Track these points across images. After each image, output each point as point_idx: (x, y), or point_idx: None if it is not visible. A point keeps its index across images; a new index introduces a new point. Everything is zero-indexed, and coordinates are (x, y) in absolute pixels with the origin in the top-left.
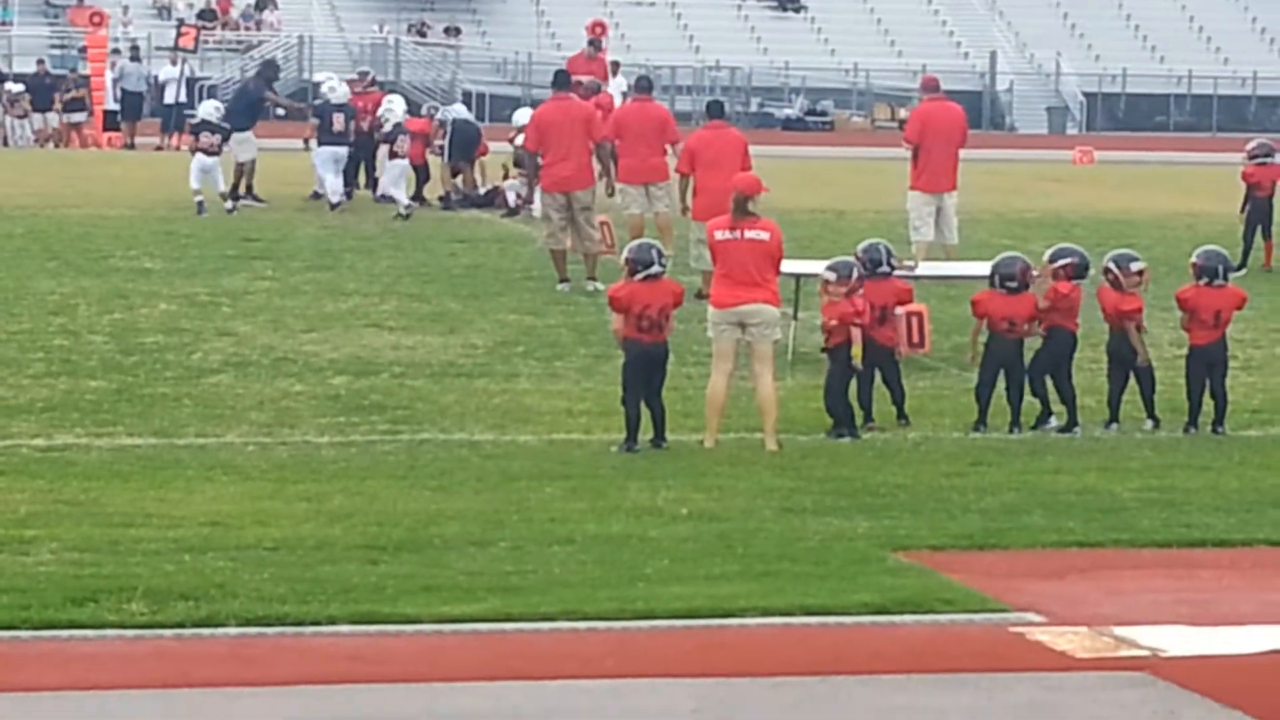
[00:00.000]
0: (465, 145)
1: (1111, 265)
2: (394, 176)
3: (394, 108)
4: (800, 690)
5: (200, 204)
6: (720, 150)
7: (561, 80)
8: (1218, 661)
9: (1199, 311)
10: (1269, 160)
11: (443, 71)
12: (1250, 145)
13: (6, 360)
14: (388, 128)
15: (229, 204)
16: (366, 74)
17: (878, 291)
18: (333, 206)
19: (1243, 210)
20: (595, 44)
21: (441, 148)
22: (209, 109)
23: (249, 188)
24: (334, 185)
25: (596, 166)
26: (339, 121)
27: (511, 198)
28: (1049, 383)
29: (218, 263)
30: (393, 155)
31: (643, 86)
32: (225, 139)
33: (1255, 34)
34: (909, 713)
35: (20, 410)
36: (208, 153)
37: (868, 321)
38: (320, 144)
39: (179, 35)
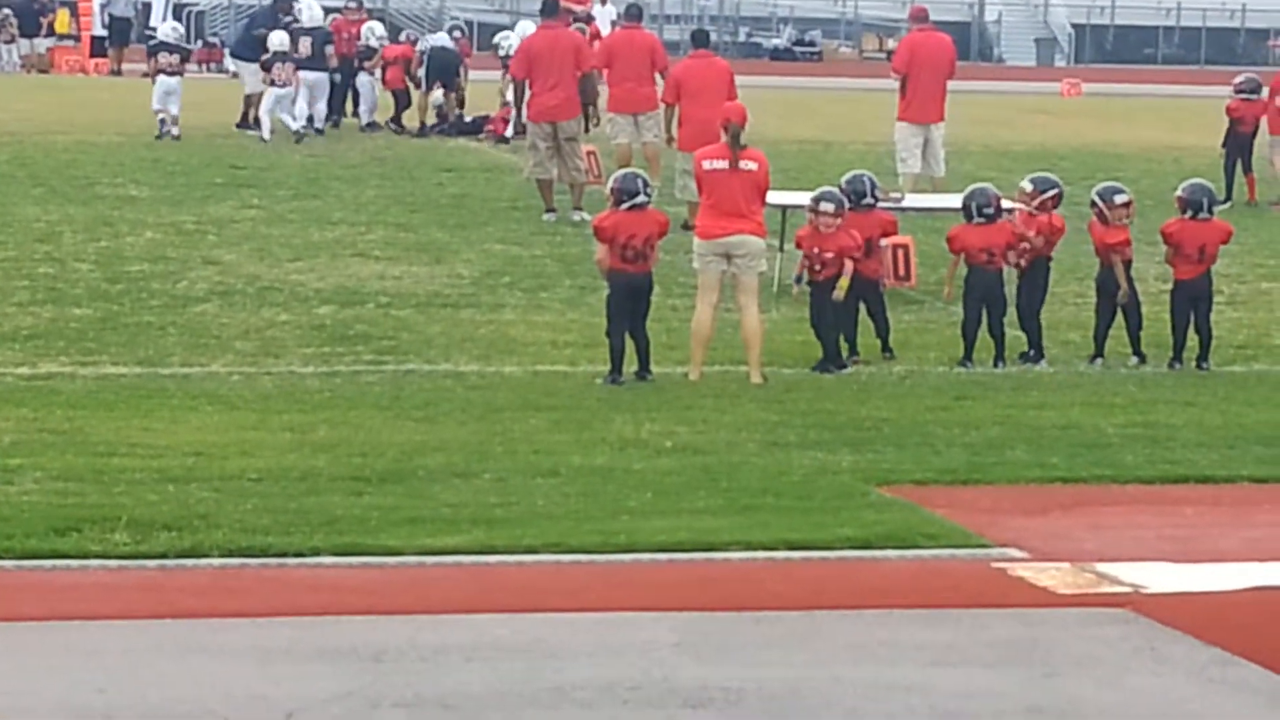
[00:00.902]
0: (441, 71)
1: (1096, 198)
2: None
3: (372, 32)
4: (782, 624)
5: (162, 123)
6: (705, 80)
7: (550, 7)
8: (1199, 598)
9: (1184, 246)
10: (1255, 96)
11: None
12: (1238, 79)
13: None
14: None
15: (254, 131)
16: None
17: (862, 223)
18: (297, 135)
19: (1224, 145)
20: None
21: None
22: (166, 30)
23: (256, 119)
24: (298, 108)
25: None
26: (305, 46)
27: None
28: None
29: (204, 190)
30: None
31: (632, 14)
32: (185, 59)
33: None
34: (890, 647)
35: (5, 338)
36: (168, 73)
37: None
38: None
39: None
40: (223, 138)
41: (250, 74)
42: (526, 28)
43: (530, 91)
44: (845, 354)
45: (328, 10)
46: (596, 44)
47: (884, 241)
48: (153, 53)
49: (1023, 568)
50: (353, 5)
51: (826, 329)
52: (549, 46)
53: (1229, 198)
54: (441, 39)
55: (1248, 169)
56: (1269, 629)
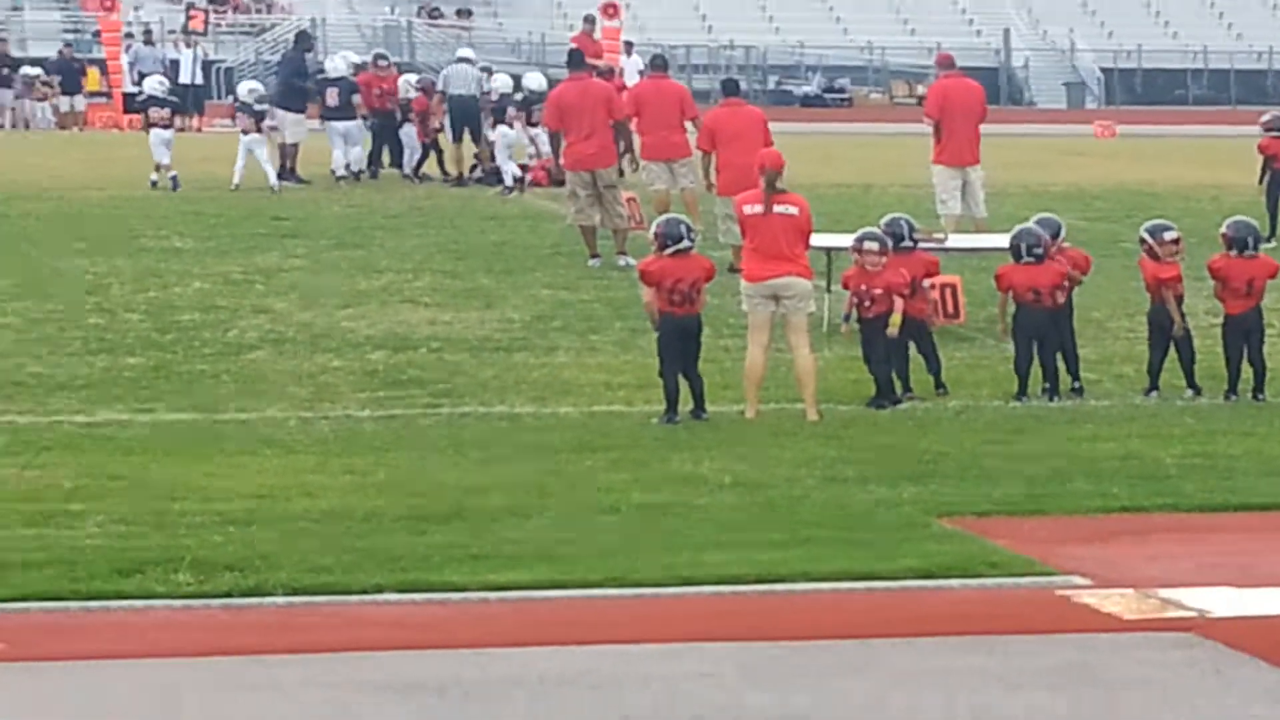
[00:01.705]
0: (465, 119)
1: (1146, 235)
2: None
3: (410, 84)
4: (843, 653)
5: (174, 178)
6: (739, 127)
7: (577, 59)
8: (1264, 622)
9: (1230, 280)
10: None
11: (455, 53)
12: (1265, 118)
13: (45, 338)
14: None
15: (274, 183)
16: (384, 57)
17: (903, 265)
18: (337, 178)
19: (1261, 181)
20: (591, 19)
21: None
22: (154, 84)
23: (292, 169)
24: (335, 158)
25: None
26: (333, 96)
27: (508, 178)
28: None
29: (248, 241)
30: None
31: (658, 64)
32: (175, 112)
33: (1268, 9)
34: (955, 674)
35: (61, 387)
36: (163, 126)
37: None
38: (321, 118)
39: (188, 19)
40: (260, 190)
41: (291, 124)
42: (535, 80)
43: (565, 142)
44: (899, 391)
45: (359, 66)
46: (624, 94)
47: (927, 282)
48: (144, 108)
49: (1087, 594)
50: (382, 62)
51: (878, 364)
52: (579, 97)
53: (1273, 234)
54: (460, 81)
55: None
56: None
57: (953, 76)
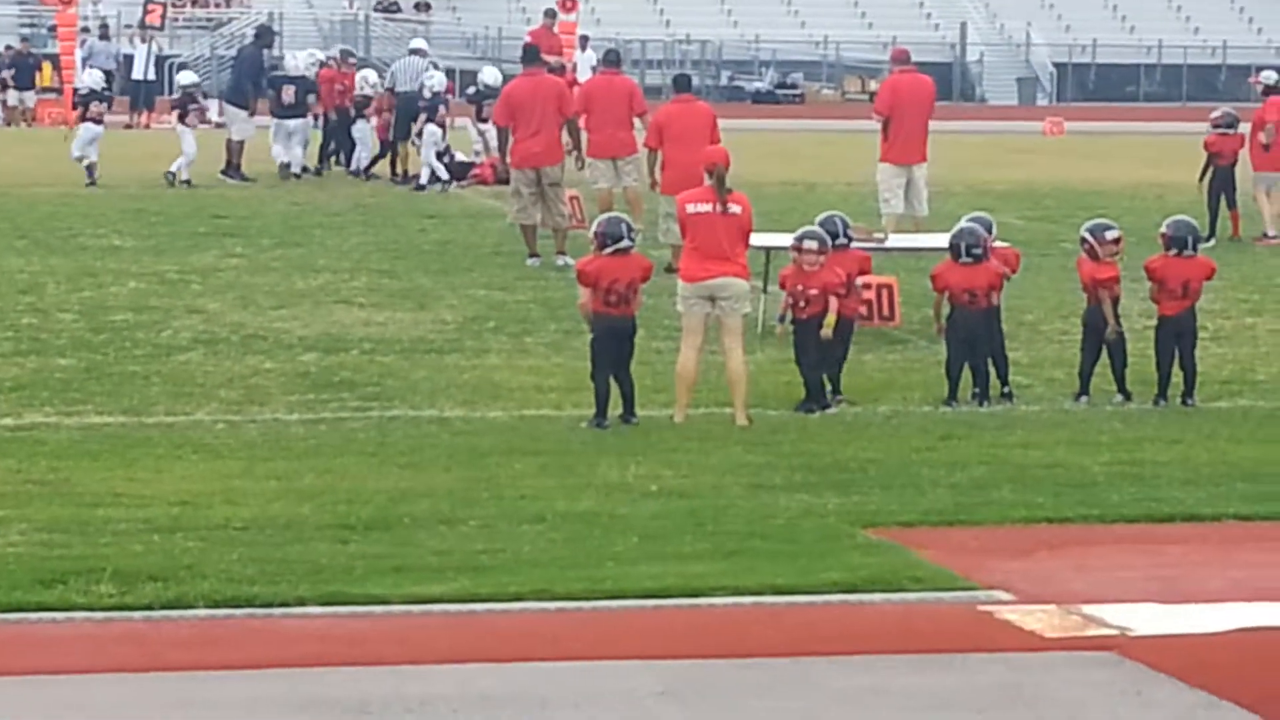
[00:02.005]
0: (408, 117)
1: (1087, 234)
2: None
3: (366, 80)
4: (769, 671)
5: (91, 169)
6: (688, 124)
7: (531, 55)
8: (1186, 640)
9: (1167, 281)
10: (1232, 130)
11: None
12: (1214, 114)
13: None
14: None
15: (234, 180)
16: (350, 53)
17: (837, 263)
18: (290, 172)
19: (1202, 179)
20: (552, 13)
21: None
22: (96, 79)
23: (237, 166)
24: (275, 153)
25: (566, 141)
26: (288, 94)
27: (425, 173)
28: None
29: (187, 240)
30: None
31: (610, 60)
32: (109, 105)
33: (1224, 3)
34: (877, 693)
35: None
36: (96, 121)
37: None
38: (272, 115)
39: (145, 12)
40: (206, 187)
41: (240, 121)
42: (491, 75)
43: (513, 138)
44: (829, 394)
45: (323, 62)
46: (576, 90)
47: (860, 280)
48: (85, 102)
49: (1009, 610)
50: (351, 59)
51: (810, 368)
52: (530, 93)
53: (1212, 235)
54: (406, 77)
55: (1232, 205)
56: (1255, 671)
57: (906, 72)
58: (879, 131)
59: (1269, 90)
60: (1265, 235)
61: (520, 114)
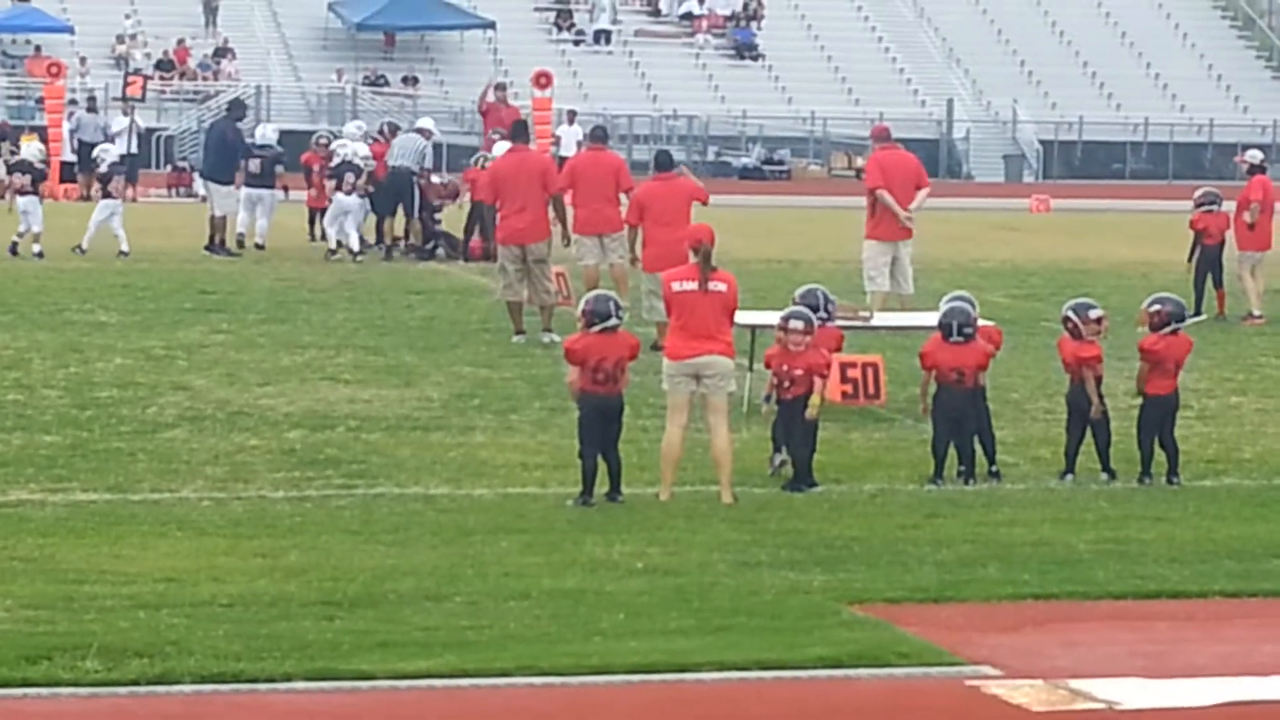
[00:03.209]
0: (396, 193)
1: (1070, 313)
2: (333, 214)
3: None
4: None
5: (14, 246)
6: (669, 201)
7: (519, 131)
8: (1173, 715)
9: (1165, 360)
10: (1215, 208)
11: (399, 121)
12: (1197, 194)
13: None
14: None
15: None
16: (395, 126)
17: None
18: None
19: (1190, 258)
20: (503, 87)
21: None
22: (33, 150)
23: (221, 242)
24: (240, 220)
25: (552, 216)
26: (255, 164)
27: (331, 241)
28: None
29: (174, 315)
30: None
31: (598, 136)
32: (42, 179)
33: (1211, 81)
34: None
35: None
36: (22, 193)
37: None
38: (239, 185)
39: (126, 85)
40: (192, 263)
41: (221, 196)
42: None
43: (499, 215)
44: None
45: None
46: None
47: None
48: (11, 172)
49: (996, 685)
50: (324, 140)
51: (798, 447)
52: (515, 169)
53: (1199, 312)
54: (402, 152)
55: (1218, 284)
56: None
57: (888, 149)
58: (865, 209)
59: (1254, 169)
60: (1250, 315)
61: (505, 190)
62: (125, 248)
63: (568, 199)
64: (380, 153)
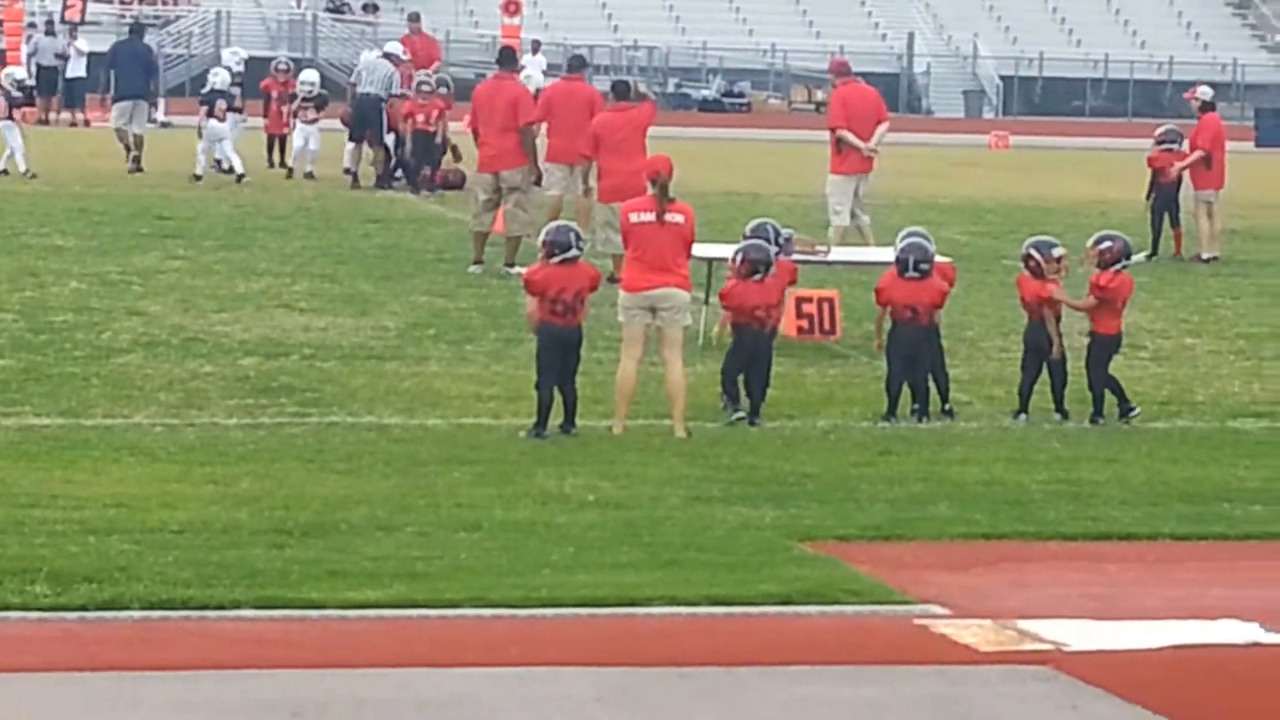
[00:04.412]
0: (363, 121)
1: (1033, 251)
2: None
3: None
4: (704, 680)
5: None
6: (624, 133)
7: (506, 58)
8: (1121, 656)
9: (1115, 299)
10: (1176, 147)
11: (360, 48)
12: (1159, 131)
13: None
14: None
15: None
16: (442, 80)
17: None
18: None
19: (1148, 197)
20: (416, 17)
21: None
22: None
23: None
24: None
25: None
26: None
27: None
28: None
29: (130, 241)
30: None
31: (574, 66)
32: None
33: (1172, 18)
34: (812, 704)
35: None
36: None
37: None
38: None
39: (65, 7)
40: (149, 188)
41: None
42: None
43: (478, 143)
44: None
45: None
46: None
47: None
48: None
49: (944, 625)
50: (426, 88)
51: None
52: (490, 97)
53: (1155, 252)
54: (370, 78)
55: (1175, 223)
56: (1190, 687)
57: (849, 83)
58: (830, 144)
59: (1205, 107)
60: (1198, 256)
61: (480, 118)
62: (240, 169)
63: (543, 129)
64: (410, 111)
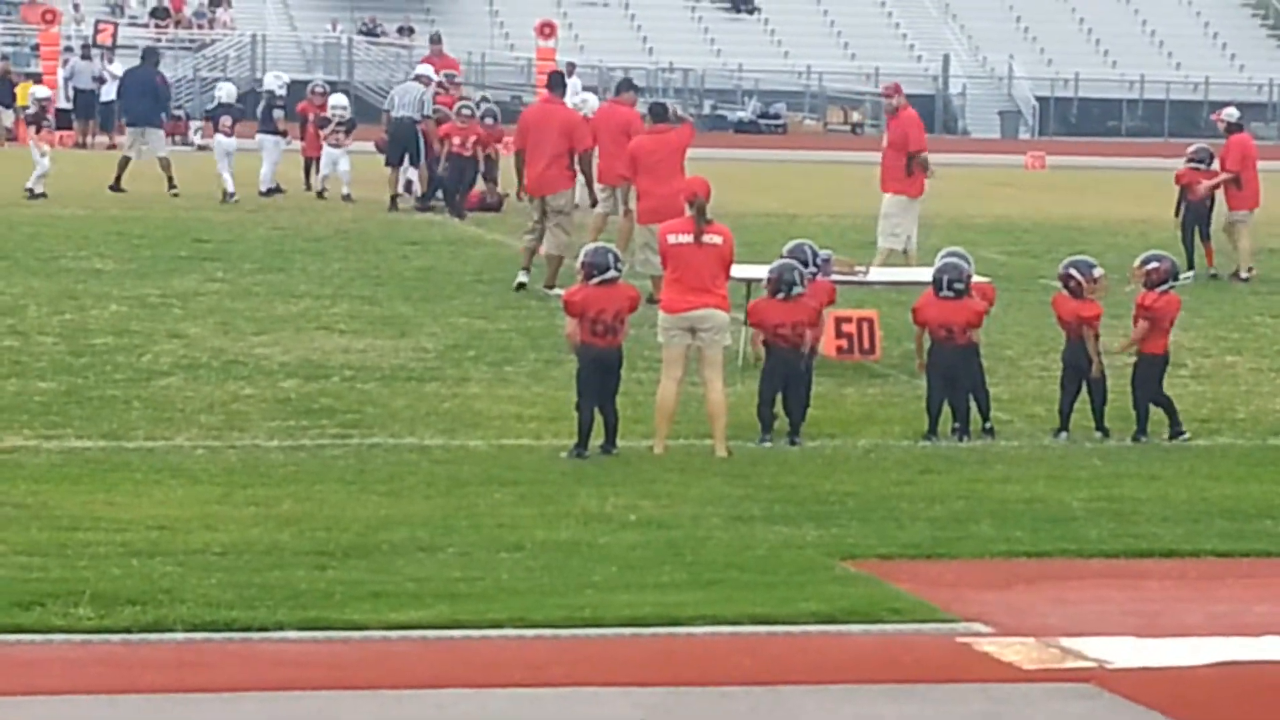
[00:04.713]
0: (401, 144)
1: (1073, 271)
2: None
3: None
4: (747, 700)
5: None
6: (661, 155)
7: (555, 82)
8: (1163, 673)
9: (1162, 319)
10: (1204, 166)
11: (395, 71)
12: (1191, 149)
13: None
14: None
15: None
16: (484, 101)
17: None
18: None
19: (1177, 213)
20: (437, 38)
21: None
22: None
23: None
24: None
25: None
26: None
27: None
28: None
29: (169, 264)
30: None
31: (622, 87)
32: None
33: (1207, 38)
34: None
35: None
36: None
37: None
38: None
39: (96, 32)
40: (187, 211)
41: (154, 139)
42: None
43: (525, 165)
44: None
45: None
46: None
47: (824, 312)
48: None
49: (988, 642)
50: (319, 90)
51: (796, 402)
52: (542, 121)
53: (1191, 266)
54: (404, 102)
55: (1205, 237)
56: (1233, 704)
57: (908, 108)
58: (887, 165)
59: (1231, 128)
60: (1236, 274)
61: (531, 140)
62: (230, 189)
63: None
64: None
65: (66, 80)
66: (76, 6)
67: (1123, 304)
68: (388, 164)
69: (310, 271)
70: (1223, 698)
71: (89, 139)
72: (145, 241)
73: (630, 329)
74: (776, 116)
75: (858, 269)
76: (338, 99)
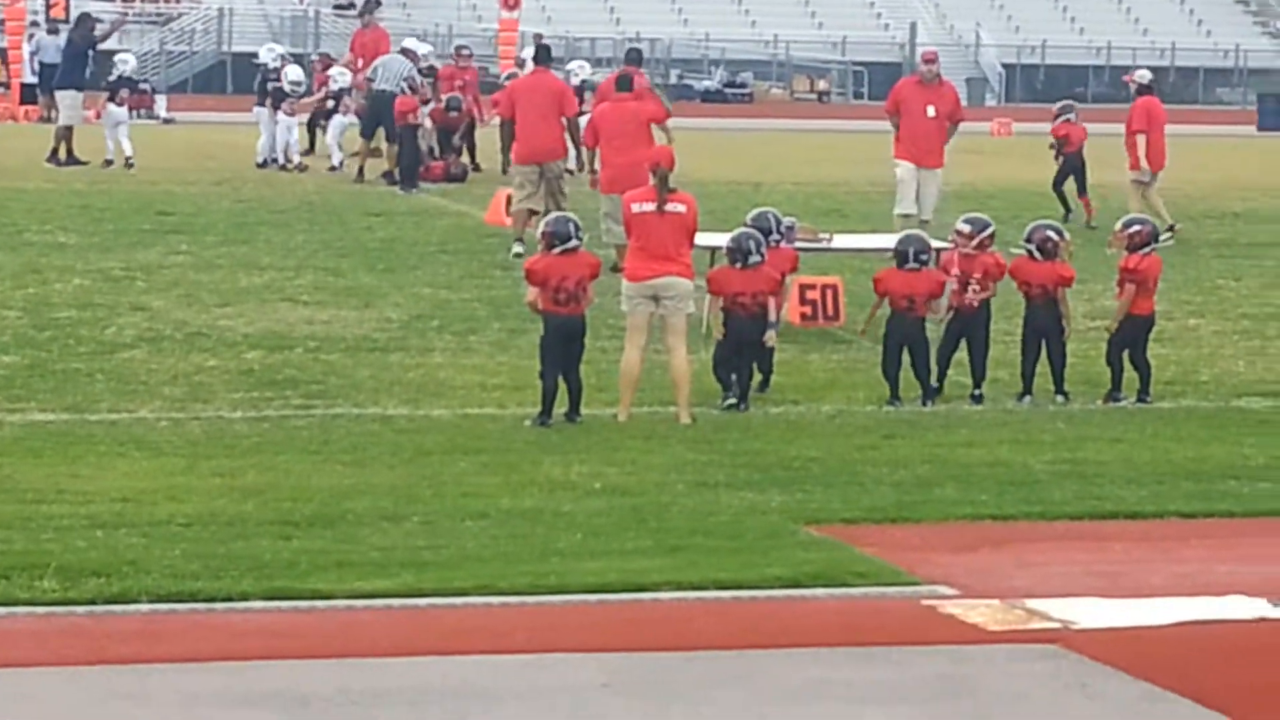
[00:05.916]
0: (376, 117)
1: (1052, 234)
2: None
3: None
4: (713, 664)
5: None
6: (623, 124)
7: (543, 55)
8: (1129, 633)
9: (1147, 280)
10: (1072, 118)
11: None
12: (1058, 105)
13: None
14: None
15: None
16: (466, 48)
17: (770, 260)
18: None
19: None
20: (367, 4)
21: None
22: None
23: (69, 152)
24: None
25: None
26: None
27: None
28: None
29: (133, 237)
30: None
31: (631, 59)
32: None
33: (1174, 5)
34: (822, 686)
35: None
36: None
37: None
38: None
39: (50, 6)
40: (151, 184)
41: (68, 105)
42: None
43: (516, 132)
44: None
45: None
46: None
47: (789, 279)
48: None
49: (952, 605)
50: (465, 52)
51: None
52: (533, 90)
53: (1068, 213)
54: (387, 75)
55: (1082, 190)
56: (1198, 664)
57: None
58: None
59: (1141, 90)
60: (1173, 227)
61: (522, 109)
62: (130, 155)
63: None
64: (447, 75)
65: (32, 54)
66: None
67: (1088, 269)
68: (362, 134)
69: (274, 243)
70: (1187, 657)
71: (53, 113)
72: (109, 215)
73: (595, 297)
74: (743, 85)
75: (821, 236)
76: (294, 71)
